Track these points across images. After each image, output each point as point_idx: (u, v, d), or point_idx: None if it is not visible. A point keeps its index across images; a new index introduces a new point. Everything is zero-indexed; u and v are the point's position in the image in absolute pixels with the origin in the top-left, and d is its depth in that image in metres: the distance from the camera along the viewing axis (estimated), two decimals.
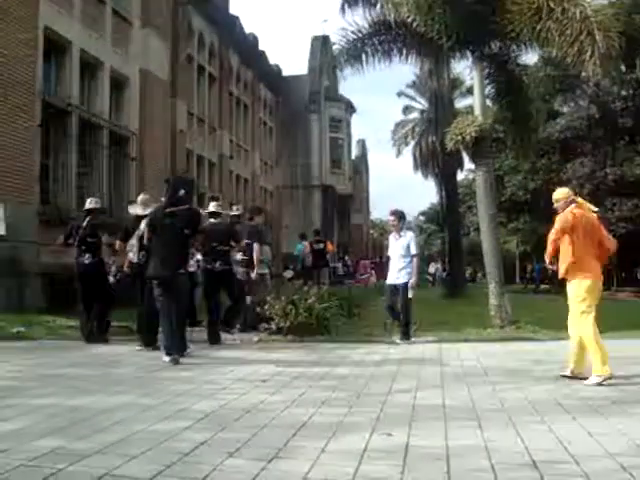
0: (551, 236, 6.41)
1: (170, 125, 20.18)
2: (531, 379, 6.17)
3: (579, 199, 6.60)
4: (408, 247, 9.70)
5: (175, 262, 7.55)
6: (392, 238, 10.02)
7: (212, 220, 10.01)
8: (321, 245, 20.17)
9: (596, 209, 6.64)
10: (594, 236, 6.30)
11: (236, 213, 11.50)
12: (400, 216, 10.00)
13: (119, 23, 17.22)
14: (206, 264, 9.83)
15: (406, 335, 9.58)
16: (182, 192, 7.60)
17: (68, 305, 11.81)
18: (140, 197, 9.35)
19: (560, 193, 6.68)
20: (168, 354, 7.33)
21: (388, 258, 10.40)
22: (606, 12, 11.03)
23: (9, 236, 11.68)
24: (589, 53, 10.50)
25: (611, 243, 6.47)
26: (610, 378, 5.79)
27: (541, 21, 11.11)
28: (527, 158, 20.56)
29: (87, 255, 9.35)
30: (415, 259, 9.76)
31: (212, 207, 10.16)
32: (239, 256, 10.49)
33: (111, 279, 9.47)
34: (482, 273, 32.26)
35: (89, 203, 9.75)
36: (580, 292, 6.13)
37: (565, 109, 35.49)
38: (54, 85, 14.83)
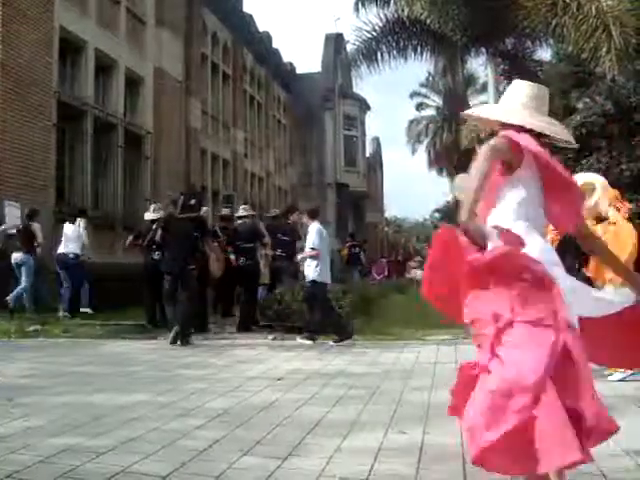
0: None
1: (184, 124, 20.23)
2: None
3: None
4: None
5: (184, 259, 8.79)
6: None
7: (239, 222, 11.34)
8: (357, 249, 22.59)
9: None
10: None
11: (274, 214, 12.74)
12: (307, 212, 9.77)
13: (133, 22, 17.30)
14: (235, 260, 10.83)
15: (309, 333, 9.10)
16: (193, 201, 9.14)
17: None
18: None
19: None
20: (185, 342, 8.61)
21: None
22: (622, 7, 10.95)
23: None
24: (605, 49, 10.46)
25: None
26: None
27: (556, 17, 11.09)
28: None
29: (156, 252, 10.18)
30: (312, 252, 9.14)
31: (241, 210, 11.59)
32: (279, 252, 11.29)
33: None
34: None
35: (154, 211, 10.75)
36: None
37: (580, 105, 35.20)
38: (69, 84, 14.91)
